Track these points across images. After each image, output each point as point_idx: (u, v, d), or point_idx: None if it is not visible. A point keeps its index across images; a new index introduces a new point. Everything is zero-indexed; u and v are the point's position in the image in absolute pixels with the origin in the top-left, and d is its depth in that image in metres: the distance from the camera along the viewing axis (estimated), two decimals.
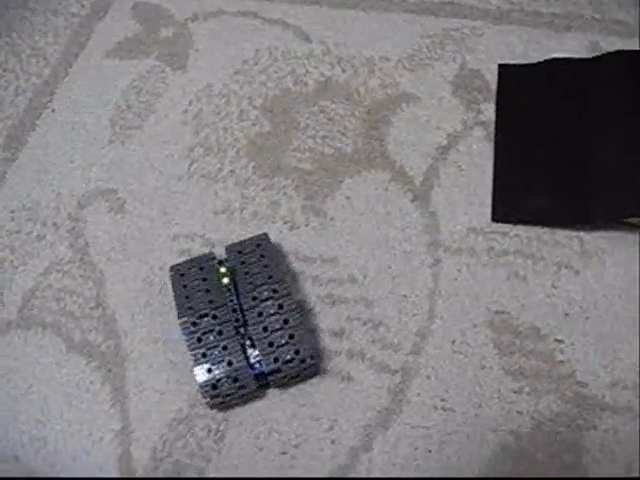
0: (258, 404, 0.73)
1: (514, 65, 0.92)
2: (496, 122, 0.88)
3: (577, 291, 0.76)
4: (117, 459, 0.74)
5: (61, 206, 0.90)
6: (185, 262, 0.78)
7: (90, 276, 0.84)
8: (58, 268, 0.86)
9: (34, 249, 0.88)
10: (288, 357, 0.71)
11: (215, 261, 0.78)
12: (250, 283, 0.74)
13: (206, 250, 0.83)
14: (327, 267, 0.80)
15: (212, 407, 0.73)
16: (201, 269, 0.76)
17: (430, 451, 0.70)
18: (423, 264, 0.79)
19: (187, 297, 0.74)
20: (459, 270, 0.79)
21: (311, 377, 0.74)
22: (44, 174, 0.94)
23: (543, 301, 0.76)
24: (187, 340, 0.72)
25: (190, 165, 0.90)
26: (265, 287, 0.74)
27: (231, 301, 0.74)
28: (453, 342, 0.75)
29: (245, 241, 0.78)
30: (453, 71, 0.94)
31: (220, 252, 0.80)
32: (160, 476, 0.72)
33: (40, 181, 0.93)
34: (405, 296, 0.78)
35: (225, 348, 0.71)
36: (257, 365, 0.72)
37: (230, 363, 0.71)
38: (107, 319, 0.81)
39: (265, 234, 0.79)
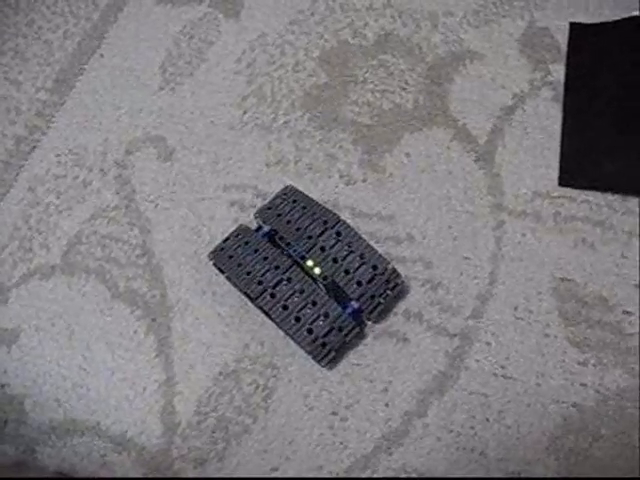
0: (308, 362, 0.70)
1: (587, 24, 0.87)
2: (566, 83, 0.83)
3: None
4: (160, 411, 0.71)
5: (108, 152, 0.88)
6: (223, 244, 0.73)
7: (136, 223, 0.82)
8: (104, 214, 0.83)
9: (80, 194, 0.85)
10: (369, 276, 0.68)
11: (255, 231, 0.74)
12: (298, 229, 0.71)
13: (258, 201, 0.80)
14: (384, 224, 0.77)
15: (325, 365, 0.69)
16: (246, 243, 0.72)
17: (488, 420, 0.66)
18: (486, 226, 0.75)
19: (249, 273, 0.70)
20: (523, 234, 0.75)
21: (398, 289, 0.70)
22: (92, 119, 0.91)
23: (612, 271, 0.72)
24: (273, 313, 0.68)
25: (243, 114, 0.87)
26: (314, 224, 0.71)
27: (290, 256, 0.71)
28: (515, 308, 0.71)
29: (271, 200, 0.75)
30: (520, 29, 0.89)
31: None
32: (203, 432, 0.69)
33: (87, 126, 0.91)
34: (466, 258, 0.74)
35: (315, 303, 0.68)
36: (347, 303, 0.69)
37: (327, 315, 0.67)
38: (153, 268, 0.79)
39: (289, 185, 0.76)
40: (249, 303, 0.74)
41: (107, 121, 0.90)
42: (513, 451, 0.65)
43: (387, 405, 0.68)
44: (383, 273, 0.68)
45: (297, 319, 0.67)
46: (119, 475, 0.69)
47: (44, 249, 0.82)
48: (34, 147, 0.90)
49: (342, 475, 0.66)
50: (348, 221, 0.72)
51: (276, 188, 0.78)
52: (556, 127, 0.81)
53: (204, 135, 0.86)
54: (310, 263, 0.69)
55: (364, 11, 0.94)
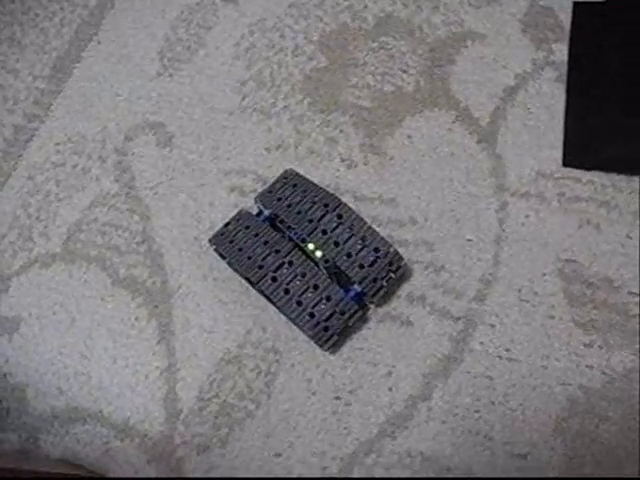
0: (311, 346, 0.70)
1: (591, 2, 0.85)
2: (569, 63, 0.82)
3: None
4: (162, 398, 0.71)
5: (107, 139, 0.87)
6: (224, 229, 0.72)
7: (136, 210, 0.81)
8: (104, 202, 0.83)
9: (79, 182, 0.85)
10: (371, 259, 0.67)
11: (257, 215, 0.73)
12: (299, 212, 0.70)
13: (258, 186, 0.79)
14: (386, 208, 0.76)
15: (327, 349, 0.68)
16: (247, 227, 0.71)
17: (493, 402, 0.66)
18: (489, 208, 0.75)
19: (250, 258, 0.69)
20: (527, 215, 0.74)
21: (400, 271, 0.70)
22: (90, 107, 0.90)
23: (617, 251, 0.71)
24: (274, 298, 0.67)
25: (242, 99, 0.86)
26: (315, 207, 0.70)
27: (291, 240, 0.70)
28: (520, 290, 0.70)
29: (272, 184, 0.74)
30: (523, 8, 0.88)
31: None
32: (206, 418, 0.69)
33: (86, 114, 0.90)
34: (469, 240, 0.73)
35: (316, 287, 0.67)
36: (349, 286, 0.68)
37: (329, 298, 0.67)
38: (153, 254, 0.78)
39: (289, 169, 0.75)
40: (250, 288, 0.73)
41: (105, 108, 0.90)
42: (519, 434, 0.64)
43: (391, 389, 0.67)
44: (385, 256, 0.67)
45: (299, 303, 0.66)
46: (121, 462, 0.69)
47: (44, 237, 0.82)
48: (32, 136, 0.90)
49: (347, 459, 0.66)
50: (349, 205, 0.72)
51: (276, 173, 0.77)
52: (559, 107, 0.79)
53: (203, 121, 0.86)
54: (311, 246, 0.68)
55: None
